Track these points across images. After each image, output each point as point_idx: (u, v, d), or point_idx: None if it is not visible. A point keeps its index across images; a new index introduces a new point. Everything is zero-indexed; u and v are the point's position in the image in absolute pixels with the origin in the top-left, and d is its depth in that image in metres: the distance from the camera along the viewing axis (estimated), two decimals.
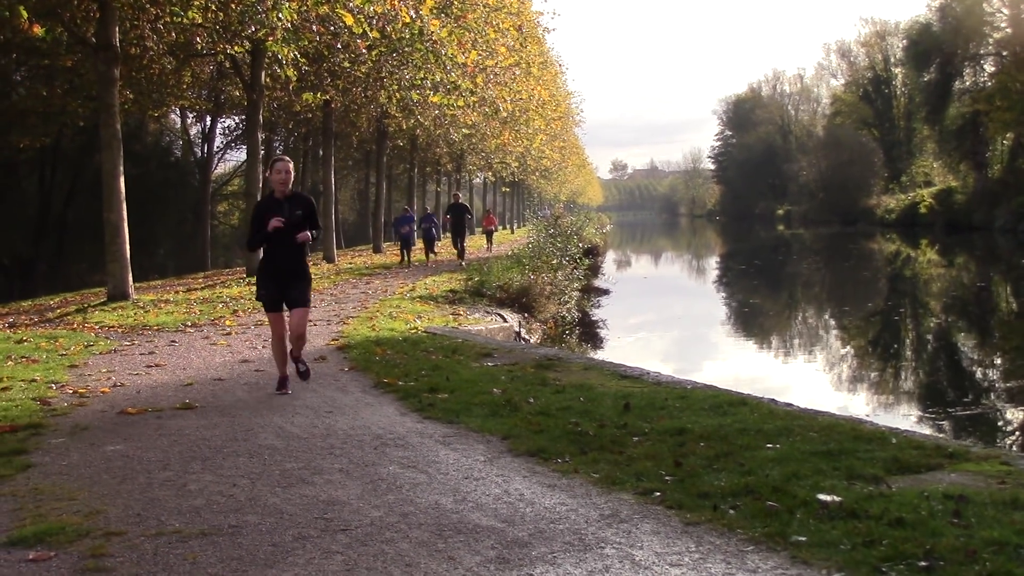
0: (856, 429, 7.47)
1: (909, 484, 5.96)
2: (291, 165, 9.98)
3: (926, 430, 14.40)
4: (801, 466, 6.33)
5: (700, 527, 5.32)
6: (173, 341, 15.31)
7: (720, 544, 5.05)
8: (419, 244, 37.01)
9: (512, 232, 79.88)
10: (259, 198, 30.52)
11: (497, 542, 5.22)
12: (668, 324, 31.01)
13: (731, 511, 5.51)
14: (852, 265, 53.57)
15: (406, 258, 35.49)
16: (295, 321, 10.16)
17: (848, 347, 25.46)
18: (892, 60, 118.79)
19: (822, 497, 5.54)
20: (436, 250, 36.61)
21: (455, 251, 35.38)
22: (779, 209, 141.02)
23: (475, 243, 52.54)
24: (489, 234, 51.32)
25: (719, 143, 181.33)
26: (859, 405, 17.29)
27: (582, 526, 5.44)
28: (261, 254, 10.16)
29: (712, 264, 65.90)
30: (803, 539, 4.97)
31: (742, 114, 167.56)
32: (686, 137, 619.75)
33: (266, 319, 16.59)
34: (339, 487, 6.41)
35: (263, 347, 14.23)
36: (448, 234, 38.47)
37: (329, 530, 5.50)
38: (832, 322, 31.30)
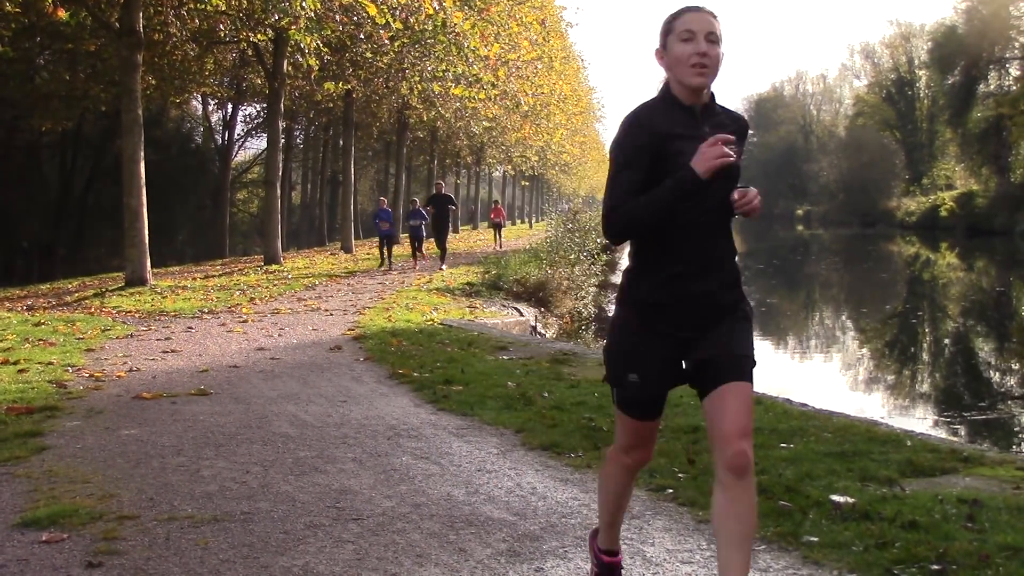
0: (871, 431, 7.44)
1: (923, 487, 5.93)
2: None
3: (941, 433, 14.33)
4: (815, 466, 6.30)
5: (712, 525, 5.30)
6: (190, 327, 15.36)
7: None
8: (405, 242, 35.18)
9: (530, 227, 79.74)
10: (277, 185, 30.81)
11: (508, 535, 5.21)
12: None
13: None
14: (871, 267, 53.39)
15: (386, 259, 30.93)
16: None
17: (865, 348, 25.37)
18: (916, 62, 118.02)
19: (835, 498, 5.51)
20: (424, 249, 31.99)
21: (436, 251, 31.43)
22: (799, 209, 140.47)
23: (463, 241, 51.94)
24: (497, 227, 47.40)
25: None
26: (875, 406, 17.23)
27: (594, 521, 5.43)
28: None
29: None
30: (815, 539, 4.95)
31: (764, 113, 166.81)
32: None
33: (282, 308, 16.61)
34: (352, 476, 6.41)
35: (279, 335, 14.27)
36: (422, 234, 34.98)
37: (341, 519, 5.50)
38: (849, 323, 31.19)
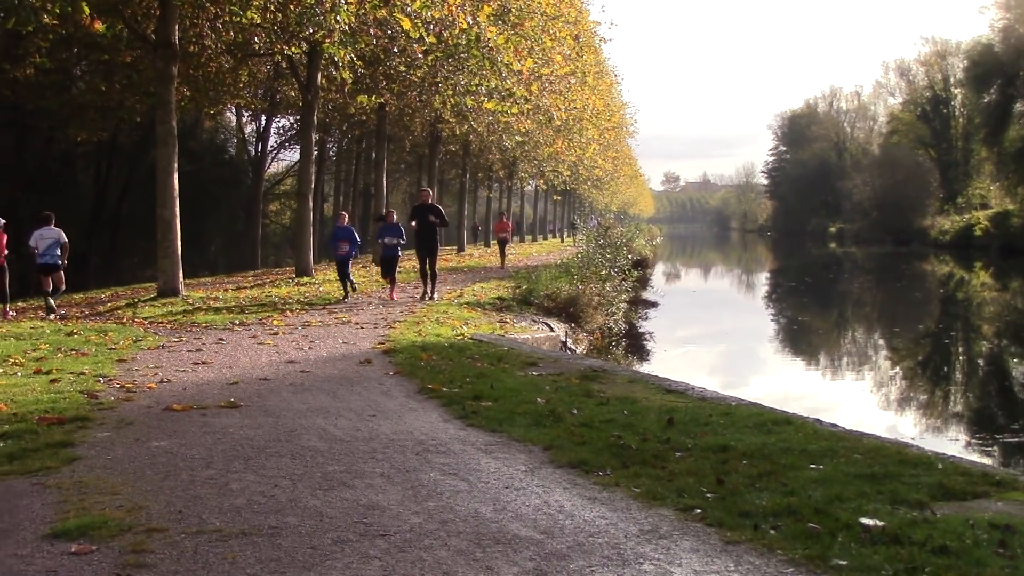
0: (901, 453, 7.39)
1: (954, 511, 5.88)
2: None
3: (973, 456, 14.23)
4: (844, 488, 6.26)
5: (740, 546, 5.27)
6: (220, 339, 15.42)
7: (759, 564, 5.00)
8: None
9: (562, 241, 79.67)
10: (310, 197, 30.80)
11: (535, 553, 5.20)
12: (716, 338, 30.87)
13: (772, 531, 5.46)
14: (904, 285, 53.15)
15: (348, 287, 24.33)
16: None
17: (897, 368, 25.22)
18: (952, 80, 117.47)
19: (865, 521, 5.47)
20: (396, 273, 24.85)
21: (420, 279, 25.09)
22: (831, 227, 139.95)
23: (471, 257, 51.65)
24: (502, 243, 43.20)
25: (773, 158, 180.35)
26: (906, 427, 17.13)
27: (621, 541, 5.41)
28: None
29: (762, 280, 65.52)
30: (844, 563, 4.91)
31: (797, 130, 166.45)
32: (740, 151, 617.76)
33: (313, 321, 16.68)
34: (380, 492, 6.41)
35: (309, 348, 14.30)
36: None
37: (368, 535, 5.50)
38: (882, 342, 31.04)
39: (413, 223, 23.49)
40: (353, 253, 25.33)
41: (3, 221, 20.36)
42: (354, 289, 24.90)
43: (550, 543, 5.38)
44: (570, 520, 5.81)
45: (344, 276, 24.31)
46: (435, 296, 23.76)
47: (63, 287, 21.59)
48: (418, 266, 24.75)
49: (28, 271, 21.67)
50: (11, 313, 20.75)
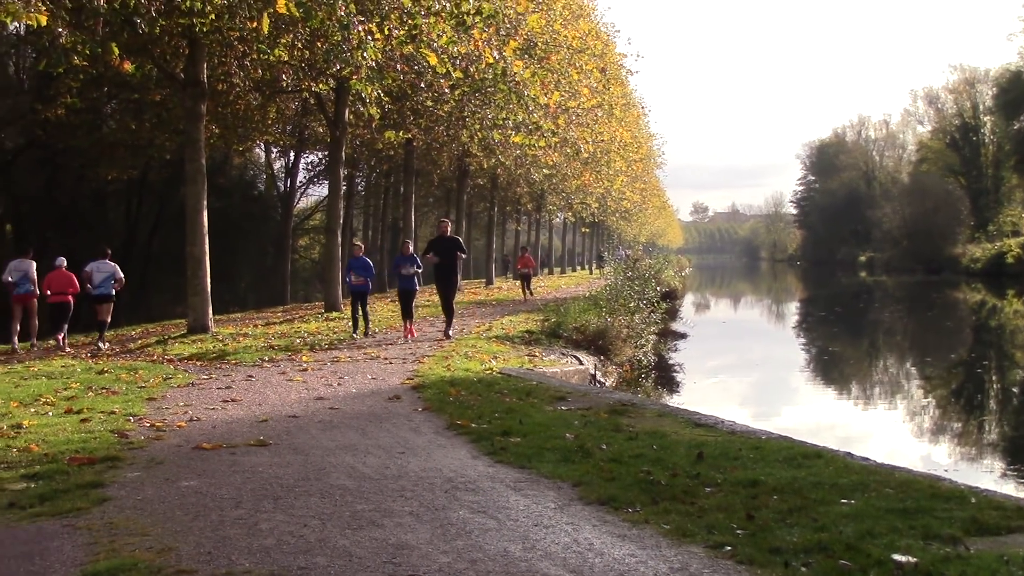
0: (934, 486, 7.31)
1: (988, 547, 5.81)
2: None
3: (1009, 488, 14.11)
4: (876, 523, 6.21)
5: None
6: (250, 376, 15.45)
7: None
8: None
9: (591, 273, 79.55)
10: (339, 232, 30.81)
11: None
12: (746, 369, 30.75)
13: (803, 568, 5.41)
14: (935, 314, 52.85)
15: (361, 323, 23.24)
16: None
17: (930, 397, 25.05)
18: (981, 107, 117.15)
19: (897, 557, 5.42)
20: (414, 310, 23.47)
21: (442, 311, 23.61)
22: (861, 256, 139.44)
23: (492, 291, 51.32)
24: (525, 279, 41.64)
25: (802, 187, 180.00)
26: (940, 457, 17.01)
27: None
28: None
29: (792, 309, 65.31)
30: None
31: (826, 159, 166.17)
32: (768, 181, 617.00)
33: (341, 356, 16.70)
34: (409, 531, 6.39)
35: (338, 384, 14.32)
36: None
37: (397, 575, 5.48)
38: (914, 371, 30.86)
39: (431, 256, 22.15)
40: (368, 286, 23.67)
41: (64, 262, 22.40)
42: (367, 331, 23.18)
43: None
44: (600, 559, 5.78)
45: (359, 311, 23.08)
46: (450, 333, 22.58)
47: (109, 318, 22.90)
48: (440, 301, 23.48)
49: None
50: (61, 342, 22.01)
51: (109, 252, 22.88)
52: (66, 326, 22.44)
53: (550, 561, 5.74)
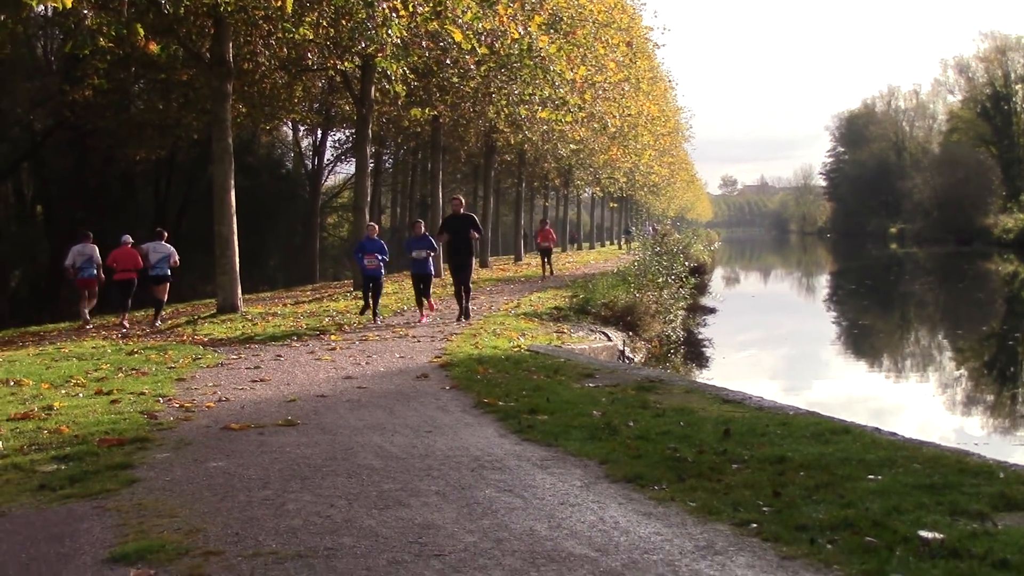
0: (962, 462, 7.25)
1: (1016, 522, 5.76)
2: None
3: None
4: (903, 500, 6.16)
5: (796, 561, 5.20)
6: (279, 355, 15.50)
7: None
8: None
9: (620, 248, 79.39)
10: (366, 210, 30.78)
11: (590, 572, 5.16)
12: (776, 343, 30.67)
13: (829, 545, 5.38)
14: (967, 286, 52.52)
15: (370, 304, 22.33)
16: None
17: (961, 370, 24.93)
18: (1012, 76, 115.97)
19: (923, 534, 5.38)
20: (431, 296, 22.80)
21: (455, 297, 22.17)
22: (892, 227, 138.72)
23: (515, 267, 51.02)
24: (546, 253, 39.31)
25: (831, 159, 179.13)
26: (972, 430, 16.93)
27: (676, 557, 5.36)
28: None
29: (822, 283, 65.03)
30: None
31: (855, 130, 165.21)
32: (797, 153, 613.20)
33: (370, 336, 16.70)
34: (435, 510, 6.40)
35: (367, 363, 14.35)
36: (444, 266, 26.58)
37: (423, 555, 5.49)
38: (945, 343, 30.71)
39: (444, 235, 21.25)
40: (381, 270, 22.27)
41: (130, 239, 23.38)
42: (374, 316, 21.87)
43: (605, 561, 5.34)
44: (625, 537, 5.77)
45: (371, 295, 22.06)
46: (469, 316, 21.51)
47: (165, 297, 23.97)
48: (453, 283, 22.20)
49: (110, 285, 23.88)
50: (126, 325, 22.89)
51: (166, 234, 23.88)
52: (129, 303, 23.62)
53: (576, 540, 5.74)
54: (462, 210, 21.54)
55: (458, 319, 21.17)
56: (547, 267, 38.67)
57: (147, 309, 25.83)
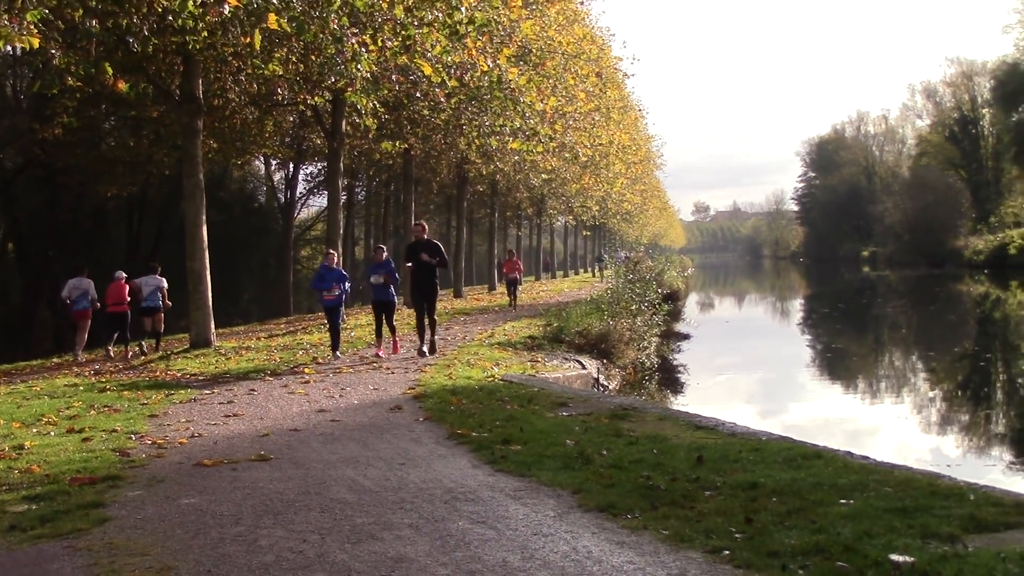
0: (933, 484, 7.31)
1: (986, 544, 5.81)
2: None
3: (1017, 479, 14.12)
4: (874, 523, 6.21)
5: None
6: (252, 390, 15.46)
7: None
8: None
9: (593, 275, 79.48)
10: (339, 243, 30.69)
11: None
12: (751, 367, 30.73)
13: (800, 571, 5.42)
14: (939, 308, 52.76)
15: (335, 340, 20.92)
16: None
17: (935, 391, 25.03)
18: (979, 100, 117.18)
19: (894, 558, 5.42)
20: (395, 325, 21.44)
21: (416, 330, 21.05)
22: (864, 251, 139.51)
23: (480, 298, 51.13)
24: (512, 285, 38.23)
25: (802, 184, 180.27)
26: (947, 449, 17.02)
27: None
28: None
29: (796, 307, 65.20)
30: None
31: (825, 155, 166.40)
32: (769, 179, 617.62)
33: (344, 369, 16.62)
34: (408, 543, 6.39)
35: (340, 396, 14.33)
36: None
37: None
38: (919, 365, 30.83)
39: (408, 264, 19.89)
40: (343, 300, 21.51)
41: (124, 275, 24.44)
42: (334, 352, 20.75)
43: None
44: (598, 566, 5.79)
45: (335, 329, 20.82)
46: (435, 349, 20.59)
47: (162, 328, 25.03)
48: (415, 315, 20.92)
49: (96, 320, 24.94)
50: (112, 354, 23.87)
51: (159, 268, 24.86)
52: (128, 335, 24.47)
53: (548, 570, 5.74)
54: (425, 236, 20.49)
55: (419, 352, 20.16)
56: (514, 298, 37.65)
57: (99, 349, 26.14)
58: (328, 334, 22.27)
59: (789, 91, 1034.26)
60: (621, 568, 5.74)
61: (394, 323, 21.05)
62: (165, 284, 24.32)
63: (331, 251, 22.30)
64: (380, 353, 20.35)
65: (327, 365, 19.03)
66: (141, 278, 24.45)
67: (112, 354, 23.82)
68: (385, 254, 20.98)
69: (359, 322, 26.46)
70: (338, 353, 20.60)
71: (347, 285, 21.51)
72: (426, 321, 20.34)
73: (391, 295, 20.68)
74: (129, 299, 24.15)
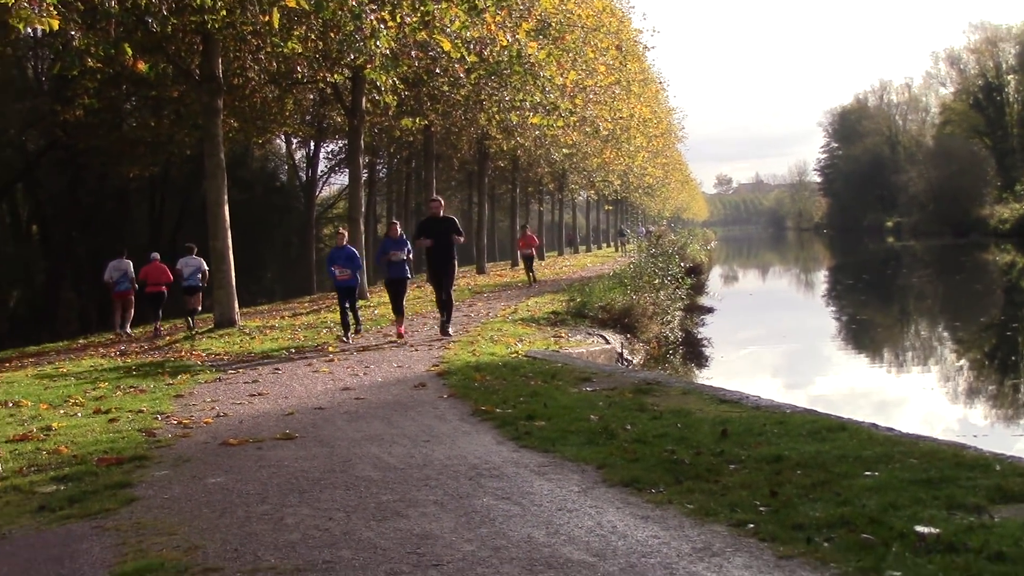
0: (958, 455, 7.26)
1: (1013, 514, 5.77)
2: None
3: None
4: (899, 495, 6.17)
5: (793, 561, 5.20)
6: (277, 369, 15.51)
7: None
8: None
9: (616, 250, 79.37)
10: (361, 220, 30.69)
11: None
12: (776, 339, 30.61)
13: (825, 544, 5.39)
14: (965, 277, 52.47)
15: (351, 324, 20.28)
16: None
17: (962, 361, 24.89)
18: (1004, 66, 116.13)
19: (920, 529, 5.39)
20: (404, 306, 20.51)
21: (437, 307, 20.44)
22: (888, 221, 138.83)
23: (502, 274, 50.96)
24: (528, 261, 38.12)
25: (825, 155, 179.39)
26: (971, 422, 16.92)
27: (673, 560, 5.37)
28: None
29: (820, 278, 64.93)
30: (898, 574, 4.83)
31: (848, 125, 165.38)
32: (791, 150, 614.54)
33: (368, 345, 16.62)
34: (433, 520, 6.40)
35: (364, 374, 14.36)
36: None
37: (421, 565, 5.48)
38: (945, 335, 30.68)
39: (424, 240, 19.01)
40: (356, 280, 20.75)
41: (158, 255, 26.05)
42: (357, 330, 20.61)
43: (602, 566, 5.34)
44: (623, 541, 5.78)
45: (346, 310, 20.00)
46: (447, 331, 19.57)
47: (199, 307, 26.00)
48: (434, 293, 20.44)
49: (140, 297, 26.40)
50: (162, 329, 25.52)
51: (196, 249, 25.54)
52: (160, 312, 25.97)
53: (573, 545, 5.74)
54: (441, 212, 19.63)
55: (442, 331, 19.61)
56: (532, 274, 37.24)
57: (147, 325, 26.98)
58: (338, 317, 21.06)
59: (810, 61, 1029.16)
60: (646, 542, 5.73)
61: (403, 305, 20.29)
62: (206, 265, 25.01)
63: (342, 230, 21.29)
64: (401, 331, 19.73)
65: (351, 342, 19.06)
66: (182, 259, 25.38)
67: (160, 331, 25.14)
68: (400, 230, 20.18)
69: (382, 299, 26.26)
70: (348, 337, 19.70)
71: (360, 263, 20.96)
72: (445, 297, 19.59)
73: (406, 272, 19.87)
74: (171, 279, 25.34)
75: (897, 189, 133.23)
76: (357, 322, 20.60)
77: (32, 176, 42.34)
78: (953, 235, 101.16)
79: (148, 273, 25.28)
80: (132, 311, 26.12)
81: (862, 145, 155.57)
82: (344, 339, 19.53)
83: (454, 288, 20.18)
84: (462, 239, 19.24)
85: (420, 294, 24.84)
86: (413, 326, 21.63)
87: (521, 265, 42.77)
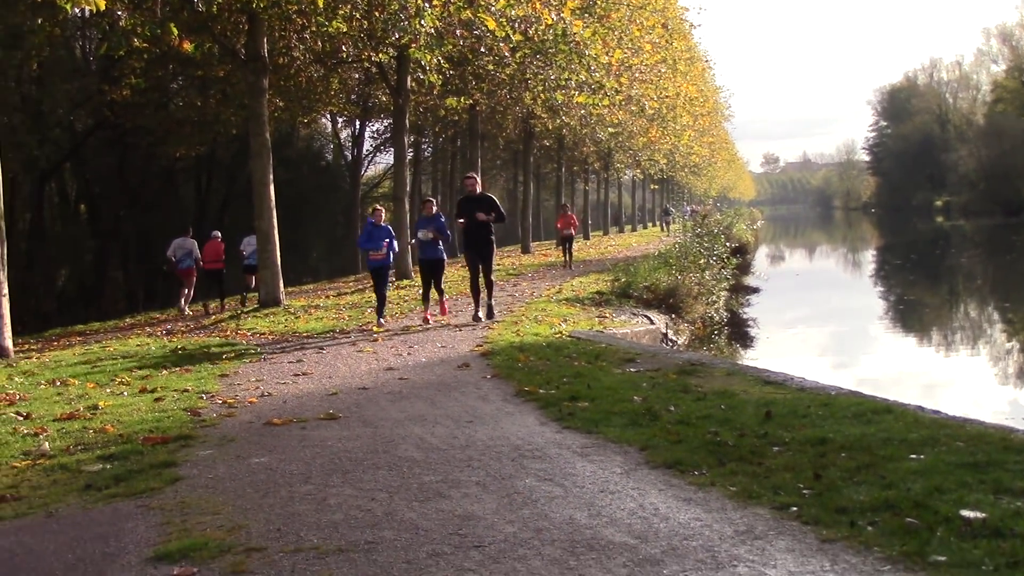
0: (1006, 439, 7.17)
1: None
2: None
3: None
4: (945, 479, 6.10)
5: (836, 544, 5.16)
6: (321, 348, 15.57)
7: (856, 563, 4.90)
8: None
9: (661, 230, 79.05)
10: (406, 199, 30.73)
11: (629, 560, 5.15)
12: (822, 320, 30.43)
13: (869, 527, 5.35)
14: (1015, 257, 51.94)
15: (382, 307, 19.17)
16: None
17: (1012, 343, 24.67)
18: None
19: (965, 513, 5.33)
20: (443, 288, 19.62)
21: (471, 292, 19.21)
22: (937, 200, 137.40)
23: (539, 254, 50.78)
24: (567, 242, 35.99)
25: (874, 134, 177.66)
26: (1022, 404, 16.76)
27: (715, 543, 5.34)
28: None
29: (868, 258, 64.50)
30: (943, 559, 4.79)
31: (898, 104, 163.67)
32: (839, 129, 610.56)
33: (412, 325, 16.59)
34: (475, 501, 6.40)
35: (408, 354, 14.38)
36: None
37: (463, 546, 5.49)
38: (995, 316, 30.40)
39: (460, 220, 17.92)
40: (391, 259, 19.73)
41: (219, 234, 27.02)
42: (379, 317, 18.99)
43: (644, 548, 5.33)
44: (665, 523, 5.76)
45: (382, 292, 19.16)
46: (493, 313, 18.78)
47: (257, 286, 25.72)
48: (470, 275, 19.10)
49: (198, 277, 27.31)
50: (212, 307, 26.75)
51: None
52: (223, 291, 27.17)
53: (615, 528, 5.73)
54: (478, 190, 18.55)
55: (474, 318, 18.52)
56: (569, 256, 35.46)
57: (195, 304, 27.91)
58: (374, 295, 20.26)
59: (859, 39, 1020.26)
60: (688, 525, 5.70)
61: (442, 285, 19.39)
62: None
63: (378, 207, 19.77)
64: (428, 318, 18.81)
65: (396, 322, 19.07)
66: (245, 238, 26.48)
67: (210, 311, 26.08)
68: (435, 207, 19.12)
69: (416, 281, 26.06)
70: (382, 319, 18.87)
71: (395, 244, 19.84)
72: (481, 282, 18.55)
73: (440, 253, 18.82)
74: (224, 257, 26.31)
75: (947, 168, 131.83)
76: (381, 307, 19.21)
77: (80, 156, 42.72)
78: (1004, 215, 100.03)
79: (207, 251, 26.25)
80: (191, 290, 26.88)
81: (911, 124, 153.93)
82: (380, 322, 18.72)
83: (493, 271, 19.01)
84: (496, 217, 18.06)
85: (464, 273, 24.65)
86: (458, 306, 21.56)
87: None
